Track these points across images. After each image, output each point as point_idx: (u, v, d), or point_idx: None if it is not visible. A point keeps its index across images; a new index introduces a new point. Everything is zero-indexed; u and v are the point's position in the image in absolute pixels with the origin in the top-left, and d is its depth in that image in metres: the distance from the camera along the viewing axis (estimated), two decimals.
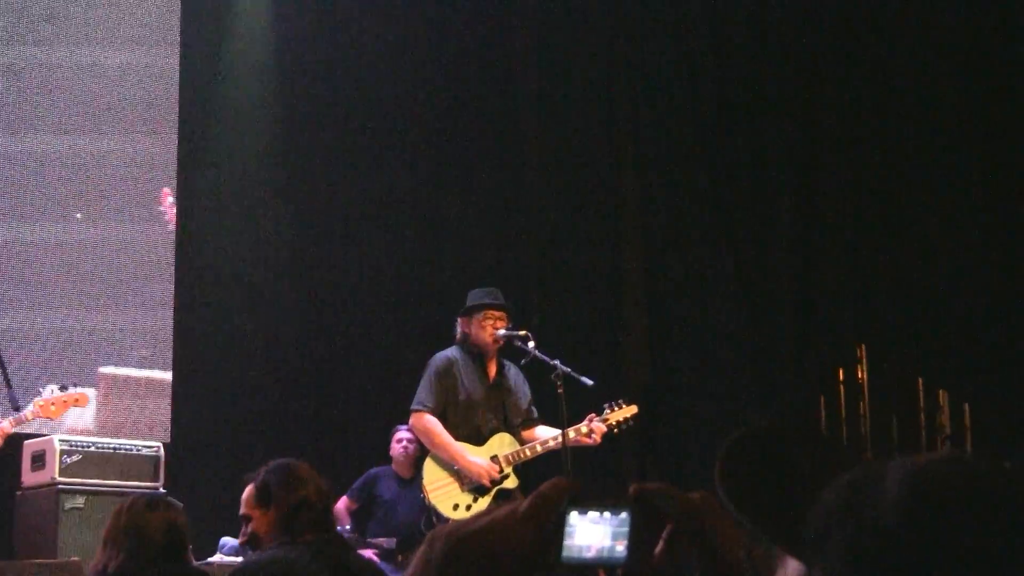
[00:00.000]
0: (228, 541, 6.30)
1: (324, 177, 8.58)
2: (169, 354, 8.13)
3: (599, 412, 6.20)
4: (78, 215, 8.13)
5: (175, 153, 8.07)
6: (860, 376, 7.83)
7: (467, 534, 1.15)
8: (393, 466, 7.46)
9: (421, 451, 6.38)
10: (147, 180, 8.12)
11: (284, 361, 8.39)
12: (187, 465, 7.64)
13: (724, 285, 8.44)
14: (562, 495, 1.17)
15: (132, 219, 8.12)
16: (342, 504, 7.16)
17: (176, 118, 8.08)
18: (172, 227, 8.12)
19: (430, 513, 6.07)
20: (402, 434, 7.32)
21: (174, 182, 8.10)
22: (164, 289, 8.19)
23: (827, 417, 7.77)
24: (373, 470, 7.44)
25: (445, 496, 6.06)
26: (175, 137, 8.10)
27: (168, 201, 8.16)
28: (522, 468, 6.18)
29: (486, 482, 6.04)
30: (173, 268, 8.11)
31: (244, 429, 8.10)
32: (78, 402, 6.48)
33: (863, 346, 7.88)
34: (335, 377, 8.46)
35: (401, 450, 7.34)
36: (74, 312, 7.98)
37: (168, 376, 8.10)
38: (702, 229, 8.48)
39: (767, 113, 8.44)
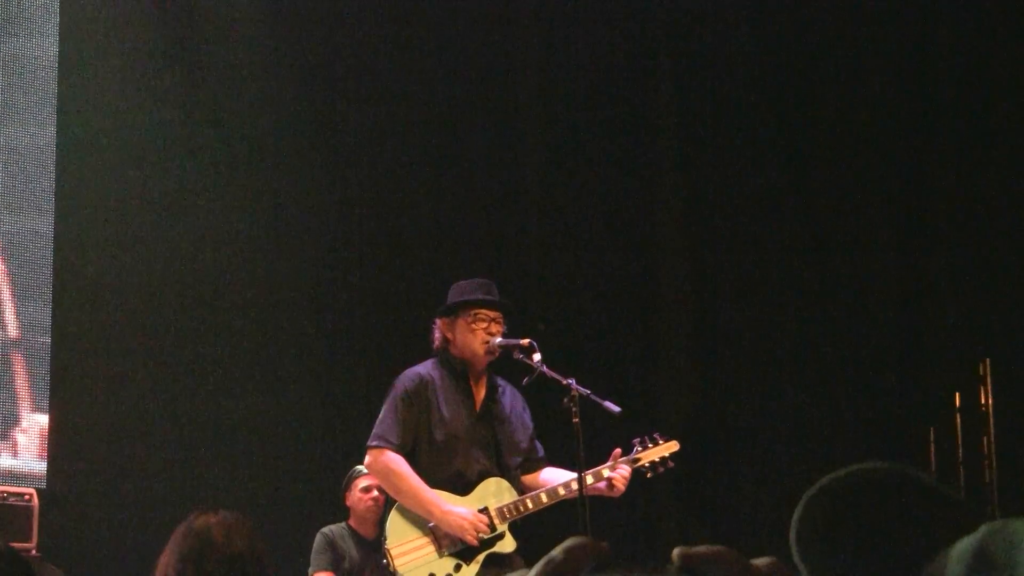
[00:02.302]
0: None
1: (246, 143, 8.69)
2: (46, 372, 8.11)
3: (627, 450, 6.10)
4: None
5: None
6: (983, 401, 7.90)
7: None
8: (352, 523, 7.40)
9: (391, 504, 6.24)
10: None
11: (195, 384, 8.36)
12: (69, 519, 7.63)
13: (794, 283, 8.58)
14: (583, 561, 1.19)
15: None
16: None
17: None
18: None
19: None
20: (369, 480, 7.21)
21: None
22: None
23: (939, 456, 7.87)
24: (328, 529, 7.37)
25: (416, 562, 5.94)
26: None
27: None
28: (522, 525, 6.08)
29: (472, 539, 5.92)
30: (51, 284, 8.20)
31: (144, 472, 8.09)
32: None
33: (987, 362, 7.95)
34: (263, 403, 8.42)
35: (370, 503, 7.25)
36: None
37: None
38: (762, 222, 8.65)
39: (861, 86, 8.62)
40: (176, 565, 3.42)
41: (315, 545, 7.33)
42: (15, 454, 7.90)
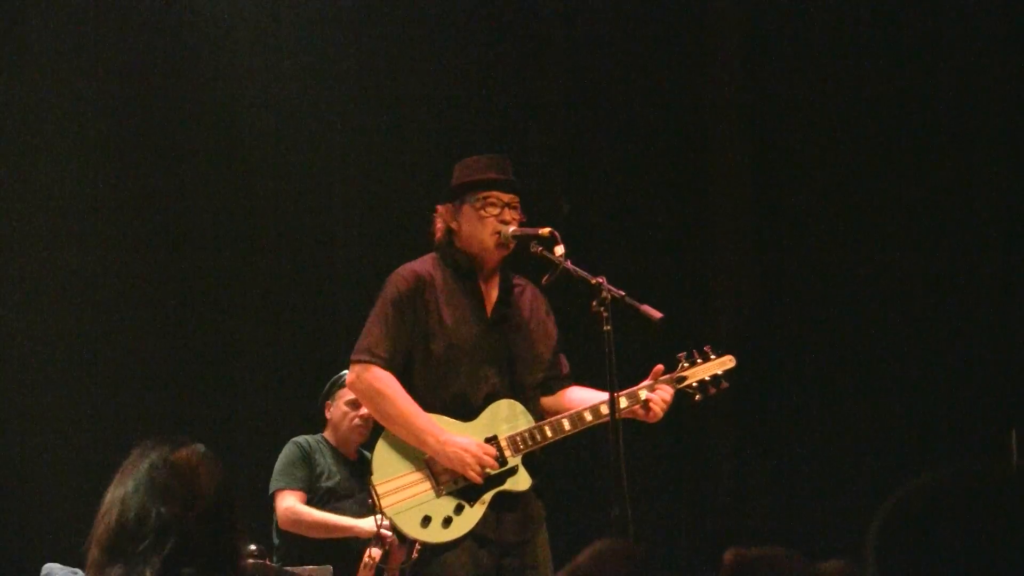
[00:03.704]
0: (55, 570, 5.88)
1: None
2: None
3: (671, 367, 5.84)
4: None
5: None
6: None
7: None
8: (330, 436, 7.26)
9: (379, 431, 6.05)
10: None
11: (145, 288, 8.47)
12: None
13: (875, 169, 8.51)
14: (613, 569, 1.37)
15: None
16: (294, 500, 7.04)
17: None
18: None
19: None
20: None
21: None
22: None
23: None
24: (302, 439, 7.25)
25: (408, 503, 5.70)
26: None
27: None
28: (542, 458, 5.85)
29: (475, 476, 5.66)
30: None
31: (88, 396, 8.17)
32: None
33: None
34: (230, 310, 8.51)
35: (357, 422, 7.14)
36: None
37: None
38: (839, 91, 8.62)
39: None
40: (143, 501, 3.20)
41: (285, 456, 7.18)
42: None
